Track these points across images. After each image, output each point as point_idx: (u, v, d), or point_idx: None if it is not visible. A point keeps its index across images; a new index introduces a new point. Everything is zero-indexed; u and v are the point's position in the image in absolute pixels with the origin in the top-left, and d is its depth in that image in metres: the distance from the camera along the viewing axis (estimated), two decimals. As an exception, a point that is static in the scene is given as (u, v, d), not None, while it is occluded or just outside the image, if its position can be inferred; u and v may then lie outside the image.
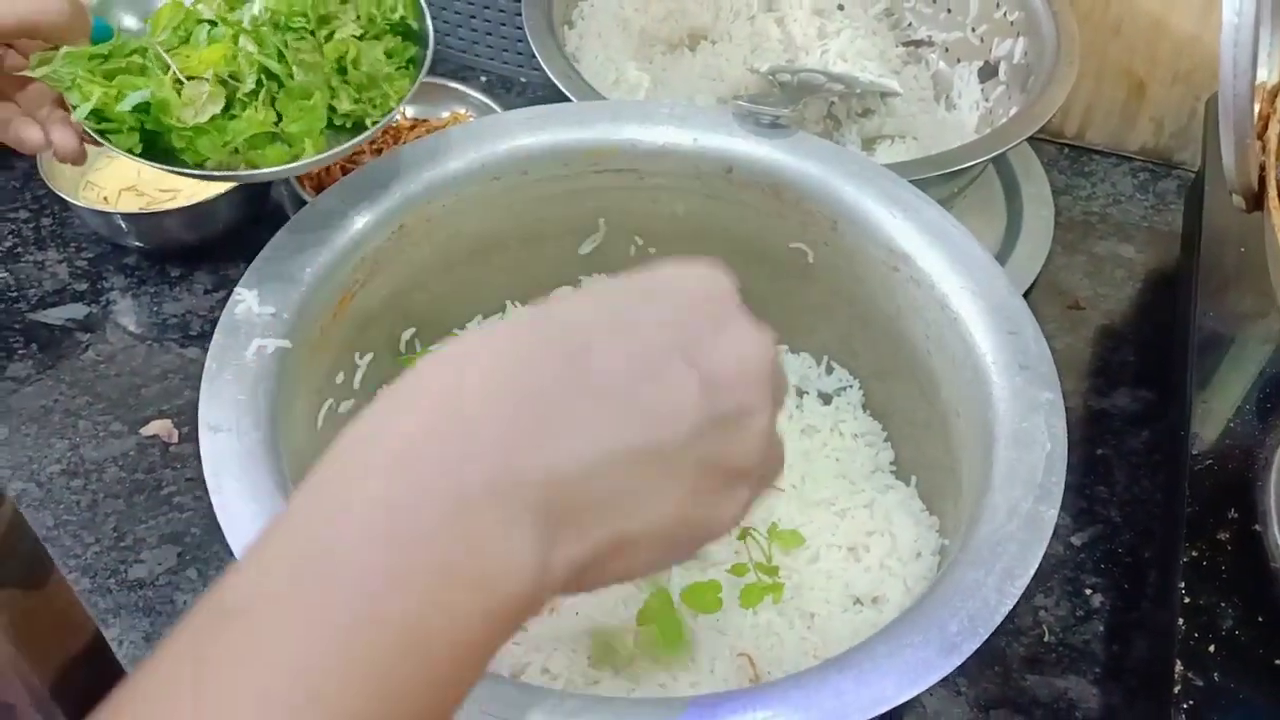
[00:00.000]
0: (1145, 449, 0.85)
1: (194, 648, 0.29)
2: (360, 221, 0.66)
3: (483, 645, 0.32)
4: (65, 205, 0.95)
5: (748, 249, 0.76)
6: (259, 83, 0.62)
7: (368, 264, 0.67)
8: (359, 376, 0.70)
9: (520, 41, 1.08)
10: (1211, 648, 0.61)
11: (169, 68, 0.61)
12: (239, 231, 0.95)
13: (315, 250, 0.64)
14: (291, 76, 0.62)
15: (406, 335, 0.74)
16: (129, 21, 0.66)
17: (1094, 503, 0.82)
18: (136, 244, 0.95)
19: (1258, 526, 0.66)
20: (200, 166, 0.62)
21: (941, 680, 0.49)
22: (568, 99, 0.80)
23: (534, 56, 0.84)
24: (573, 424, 0.33)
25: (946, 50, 1.03)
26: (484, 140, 0.71)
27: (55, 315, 0.91)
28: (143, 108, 0.60)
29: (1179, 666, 0.60)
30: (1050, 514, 0.55)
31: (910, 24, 1.05)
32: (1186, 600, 0.63)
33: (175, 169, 0.61)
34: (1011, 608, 0.51)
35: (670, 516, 0.35)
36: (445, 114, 1.03)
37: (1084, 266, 0.98)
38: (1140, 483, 0.83)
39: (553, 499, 0.32)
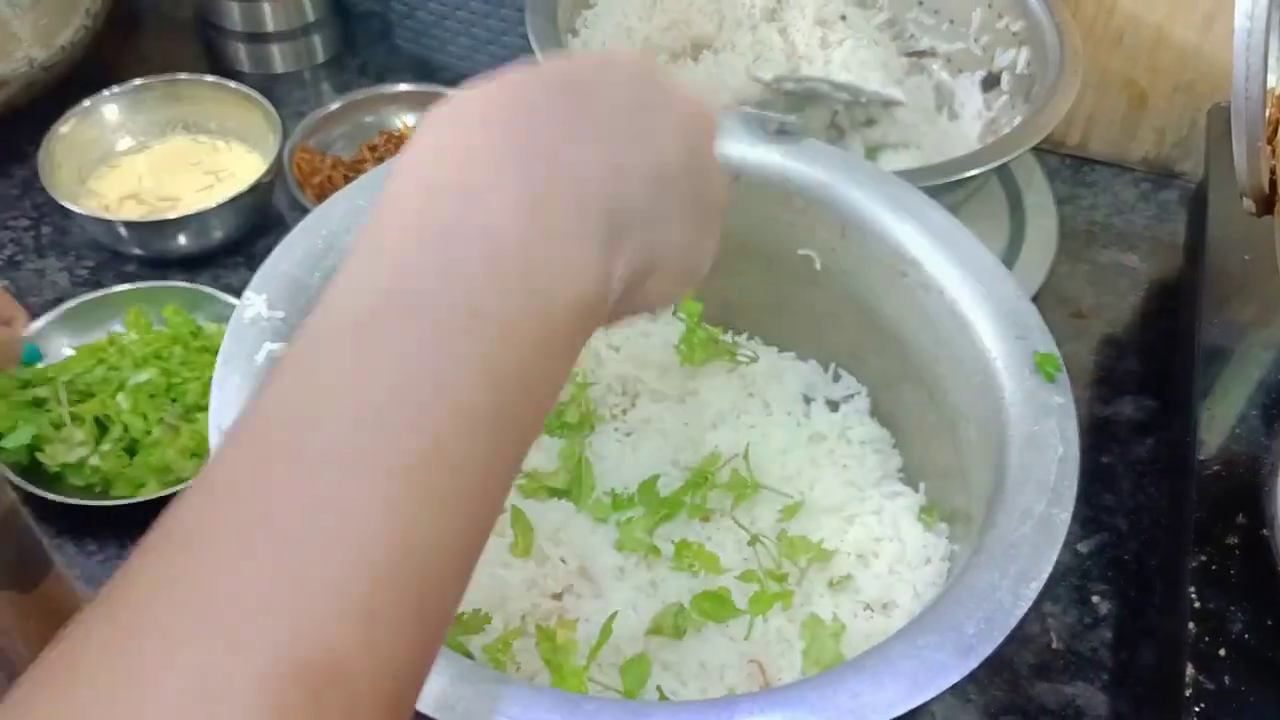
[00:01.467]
0: (1149, 457, 0.85)
1: (299, 381, 0.30)
2: (369, 226, 0.66)
3: (566, 339, 0.34)
4: (66, 213, 0.94)
5: (755, 255, 0.76)
6: (123, 430, 0.77)
7: (376, 269, 0.67)
8: (366, 382, 0.70)
9: (523, 50, 1.08)
10: (1222, 651, 0.61)
11: (59, 405, 0.77)
12: (240, 240, 0.95)
13: (324, 253, 0.64)
14: (149, 433, 0.77)
15: (413, 341, 0.74)
16: (66, 349, 0.84)
17: (1100, 511, 0.82)
18: (137, 252, 0.94)
19: (1265, 531, 0.65)
20: (66, 495, 0.75)
21: (951, 687, 0.49)
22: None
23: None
24: (603, 144, 0.35)
25: (949, 61, 1.03)
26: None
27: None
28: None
29: (1190, 670, 0.60)
30: (1063, 517, 0.55)
31: (913, 35, 1.05)
32: (1196, 605, 0.62)
33: (47, 494, 0.74)
34: (1026, 610, 0.51)
35: (686, 238, 0.39)
36: None
37: (1087, 275, 0.98)
38: (1145, 490, 0.83)
39: (608, 208, 0.35)
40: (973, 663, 0.49)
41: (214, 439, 0.55)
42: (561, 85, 0.37)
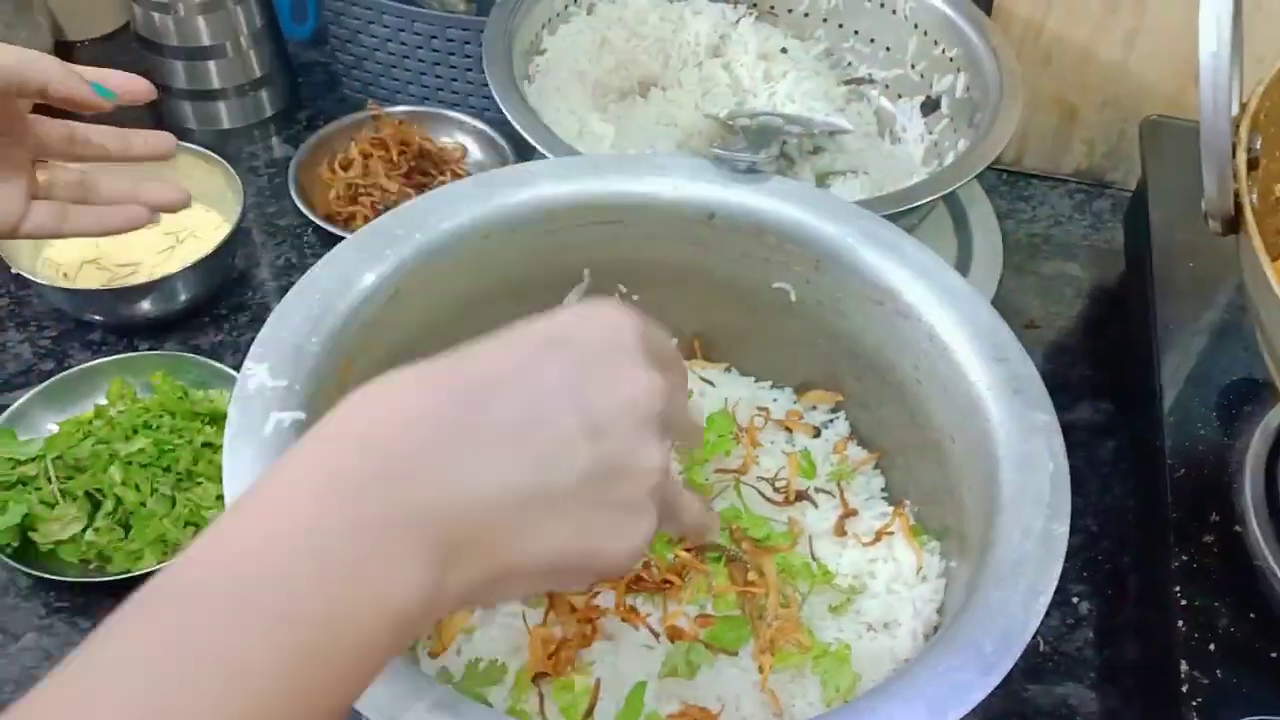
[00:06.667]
0: (1112, 458, 0.89)
1: (133, 625, 0.34)
2: (360, 287, 0.66)
3: (383, 648, 0.37)
4: (24, 283, 0.93)
5: (728, 290, 0.78)
6: (116, 503, 0.76)
7: (365, 330, 0.68)
8: (362, 441, 0.70)
9: (469, 96, 1.10)
10: (1211, 646, 0.64)
11: (50, 483, 0.76)
12: (203, 303, 0.95)
13: (321, 318, 0.64)
14: (144, 505, 0.76)
15: (402, 397, 0.74)
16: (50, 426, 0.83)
17: (1071, 514, 0.85)
18: (101, 320, 0.93)
19: (1238, 527, 0.69)
20: (61, 573, 0.74)
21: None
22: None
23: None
24: (473, 466, 0.39)
25: (887, 87, 1.07)
26: (473, 200, 0.71)
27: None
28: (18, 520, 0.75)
29: (1184, 666, 0.63)
30: (1062, 531, 0.57)
31: (850, 63, 1.08)
32: (1183, 603, 0.66)
33: (41, 574, 0.74)
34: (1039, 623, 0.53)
35: (555, 551, 0.41)
36: (445, 139, 1.09)
37: (1034, 287, 1.02)
38: (1112, 491, 0.87)
39: (452, 532, 0.38)
40: (995, 679, 0.51)
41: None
42: (468, 392, 0.40)
